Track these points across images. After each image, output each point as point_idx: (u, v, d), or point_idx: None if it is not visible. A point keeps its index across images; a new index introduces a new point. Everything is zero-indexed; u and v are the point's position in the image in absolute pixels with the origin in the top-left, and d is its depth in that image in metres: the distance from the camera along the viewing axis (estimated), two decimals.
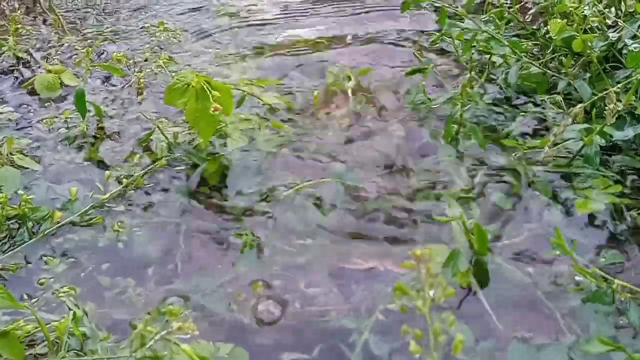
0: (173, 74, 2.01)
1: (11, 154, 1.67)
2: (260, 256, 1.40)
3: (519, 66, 1.85)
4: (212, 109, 1.52)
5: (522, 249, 1.39)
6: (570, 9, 1.67)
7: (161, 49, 2.25)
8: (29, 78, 2.07)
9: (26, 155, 1.69)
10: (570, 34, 1.76)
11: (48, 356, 1.16)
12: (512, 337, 1.20)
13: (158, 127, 1.74)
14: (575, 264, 1.21)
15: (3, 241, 1.43)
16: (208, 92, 1.55)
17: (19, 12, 2.41)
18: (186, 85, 1.59)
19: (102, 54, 2.24)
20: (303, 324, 1.24)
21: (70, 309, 1.23)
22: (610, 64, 1.74)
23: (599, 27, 1.77)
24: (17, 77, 2.11)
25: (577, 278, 1.30)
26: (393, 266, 1.36)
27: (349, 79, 2.00)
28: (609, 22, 1.72)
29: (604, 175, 1.55)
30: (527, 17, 2.22)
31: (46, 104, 1.95)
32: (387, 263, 1.37)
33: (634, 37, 1.68)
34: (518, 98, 1.88)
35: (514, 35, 2.19)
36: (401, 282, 0.76)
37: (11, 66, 2.17)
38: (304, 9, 2.57)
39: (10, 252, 1.40)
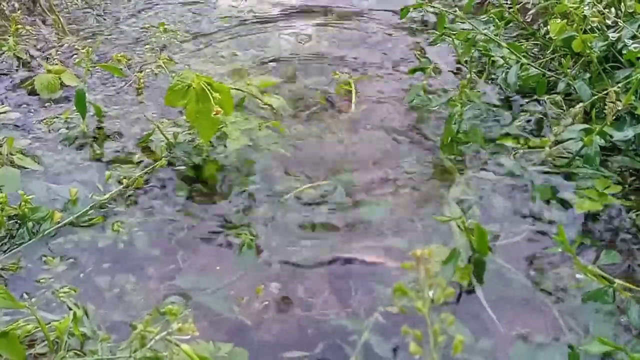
0: (173, 74, 2.01)
1: (11, 154, 1.67)
2: (260, 256, 1.40)
3: (518, 67, 1.85)
4: (214, 112, 1.52)
5: (522, 248, 1.39)
6: (570, 9, 1.67)
7: (161, 49, 2.24)
8: (29, 78, 2.07)
9: (26, 156, 1.69)
10: (570, 34, 1.76)
11: (48, 356, 1.16)
12: (512, 336, 1.20)
13: (158, 127, 1.74)
14: (577, 262, 1.21)
15: (3, 241, 1.43)
16: (209, 93, 1.55)
17: (19, 12, 2.41)
18: (187, 87, 1.59)
19: (102, 54, 2.24)
20: (303, 323, 1.24)
21: (70, 309, 1.24)
22: (610, 64, 1.74)
23: (599, 27, 1.77)
24: (17, 77, 2.11)
25: (577, 276, 1.30)
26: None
27: (351, 84, 2.00)
28: (608, 22, 1.72)
29: (604, 175, 1.55)
30: (527, 17, 2.22)
31: (46, 104, 1.95)
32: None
33: (633, 37, 1.68)
34: (518, 98, 1.88)
35: (514, 36, 2.20)
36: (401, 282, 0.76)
37: (11, 66, 2.17)
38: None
39: (10, 252, 1.40)
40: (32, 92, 2.00)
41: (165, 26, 2.38)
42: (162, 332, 0.98)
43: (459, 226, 1.41)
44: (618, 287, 1.19)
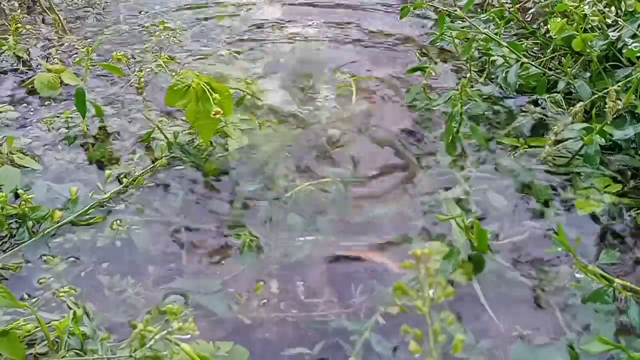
0: (173, 73, 2.01)
1: (11, 153, 1.67)
2: (260, 255, 1.40)
3: (518, 66, 1.85)
4: (213, 113, 1.52)
5: (521, 247, 1.39)
6: (570, 8, 1.67)
7: (161, 48, 2.24)
8: (29, 77, 2.07)
9: (26, 155, 1.69)
10: (570, 33, 1.76)
11: (48, 355, 1.16)
12: (511, 335, 1.20)
13: (158, 126, 1.75)
14: (577, 261, 1.21)
15: (3, 240, 1.43)
16: (208, 94, 1.55)
17: (19, 11, 2.41)
18: (186, 87, 1.59)
19: (102, 53, 2.24)
20: (303, 323, 1.25)
21: (70, 309, 1.24)
22: (610, 63, 1.74)
23: (599, 26, 1.77)
24: (17, 77, 2.11)
25: (577, 275, 1.30)
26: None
27: (352, 83, 2.00)
28: (609, 21, 1.72)
29: (604, 174, 1.55)
30: (527, 16, 2.22)
31: (46, 103, 1.95)
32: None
33: (633, 36, 1.68)
34: (518, 97, 1.88)
35: (514, 35, 2.20)
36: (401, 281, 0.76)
37: (11, 65, 2.17)
38: None
39: (10, 252, 1.40)
40: (32, 91, 2.00)
41: (166, 25, 2.37)
42: (162, 331, 0.98)
43: (459, 225, 1.41)
44: (618, 287, 1.19)
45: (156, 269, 1.37)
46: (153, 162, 1.66)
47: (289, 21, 2.47)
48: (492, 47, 1.92)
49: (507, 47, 1.85)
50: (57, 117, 1.87)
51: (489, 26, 2.10)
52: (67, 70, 2.03)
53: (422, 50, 2.21)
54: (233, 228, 1.47)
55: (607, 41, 1.74)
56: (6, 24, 2.39)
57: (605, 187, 1.51)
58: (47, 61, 2.15)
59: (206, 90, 1.56)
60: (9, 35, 2.26)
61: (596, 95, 1.61)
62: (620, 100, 1.46)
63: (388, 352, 1.17)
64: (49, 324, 1.18)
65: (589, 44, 1.71)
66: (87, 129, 1.81)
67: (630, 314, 1.18)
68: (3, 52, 2.22)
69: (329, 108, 1.90)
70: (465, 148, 1.69)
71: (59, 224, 1.46)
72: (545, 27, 2.06)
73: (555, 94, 1.83)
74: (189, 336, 0.97)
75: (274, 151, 1.71)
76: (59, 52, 2.24)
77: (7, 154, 1.66)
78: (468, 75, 1.83)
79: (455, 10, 1.96)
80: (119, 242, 1.44)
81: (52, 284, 1.33)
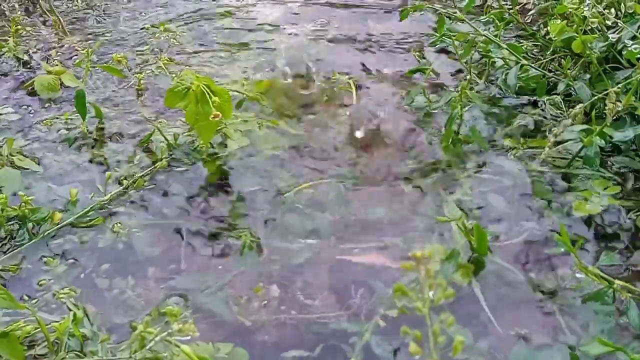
0: (173, 74, 2.01)
1: (11, 154, 1.67)
2: (260, 256, 1.40)
3: (518, 68, 1.85)
4: (212, 117, 1.52)
5: (521, 249, 1.39)
6: (570, 10, 1.67)
7: (161, 50, 2.25)
8: (29, 79, 2.07)
9: (26, 156, 1.69)
10: (570, 35, 1.76)
11: (48, 357, 1.16)
12: (511, 336, 1.20)
13: (158, 128, 1.75)
14: (578, 261, 1.21)
15: (3, 242, 1.43)
16: (208, 96, 1.56)
17: (19, 13, 2.41)
18: (186, 89, 1.59)
19: (102, 54, 2.24)
20: (303, 324, 1.25)
21: (70, 310, 1.24)
22: (610, 65, 1.74)
23: (599, 28, 1.77)
24: (17, 78, 2.11)
25: (577, 275, 1.30)
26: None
27: (351, 84, 2.00)
28: (608, 22, 1.72)
29: (604, 176, 1.55)
30: (527, 18, 2.23)
31: (46, 105, 1.95)
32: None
33: (633, 37, 1.68)
34: (518, 99, 1.88)
35: (514, 37, 2.20)
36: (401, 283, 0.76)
37: (11, 67, 2.17)
38: None
39: (10, 253, 1.40)
40: (32, 93, 2.00)
41: (166, 26, 2.38)
42: (162, 332, 0.98)
43: (459, 227, 1.41)
44: (618, 288, 1.19)
45: (156, 271, 1.37)
46: (153, 163, 1.66)
47: (288, 22, 2.47)
48: (491, 49, 1.92)
49: (506, 49, 1.85)
50: (57, 118, 1.88)
51: (489, 28, 2.10)
52: (67, 72, 2.03)
53: (421, 52, 2.21)
54: (233, 229, 1.47)
55: (607, 43, 1.74)
56: (6, 25, 2.39)
57: (605, 189, 1.51)
58: (47, 63, 2.15)
59: (206, 92, 1.57)
60: (9, 37, 2.26)
61: (596, 97, 1.61)
62: (620, 102, 1.46)
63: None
64: (49, 326, 1.18)
65: (589, 45, 1.71)
66: (87, 130, 1.82)
67: (630, 315, 1.18)
68: (3, 54, 2.22)
69: (329, 108, 1.90)
70: (465, 149, 1.69)
71: (59, 225, 1.46)
72: (545, 29, 2.06)
73: (555, 96, 1.83)
74: (189, 338, 0.97)
75: (274, 152, 1.71)
76: (59, 53, 2.25)
77: (7, 155, 1.66)
78: (468, 77, 1.84)
79: (456, 13, 1.96)
80: (119, 244, 1.44)
81: (52, 285, 1.33)
